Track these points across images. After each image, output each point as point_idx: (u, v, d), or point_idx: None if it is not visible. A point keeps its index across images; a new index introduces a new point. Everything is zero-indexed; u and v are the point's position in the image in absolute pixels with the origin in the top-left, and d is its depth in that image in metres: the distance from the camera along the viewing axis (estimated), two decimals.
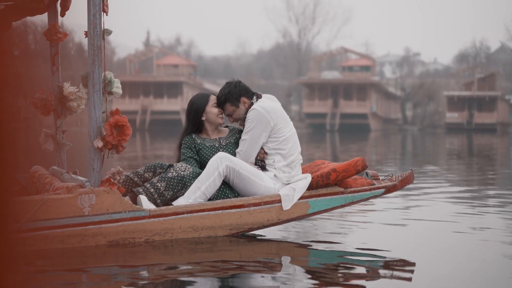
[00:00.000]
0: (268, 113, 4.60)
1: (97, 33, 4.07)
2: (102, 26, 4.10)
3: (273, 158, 4.65)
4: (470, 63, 67.84)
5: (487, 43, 79.85)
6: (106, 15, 4.11)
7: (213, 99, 4.79)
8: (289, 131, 4.68)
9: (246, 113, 4.70)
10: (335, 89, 53.63)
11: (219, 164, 4.45)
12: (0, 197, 1.92)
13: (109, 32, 4.15)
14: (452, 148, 23.71)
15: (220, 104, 4.76)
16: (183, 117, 44.92)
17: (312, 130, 49.31)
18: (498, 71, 57.71)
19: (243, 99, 4.72)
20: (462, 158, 16.68)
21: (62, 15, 4.78)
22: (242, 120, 4.75)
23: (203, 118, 4.77)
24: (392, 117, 60.83)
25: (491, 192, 7.96)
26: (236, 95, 4.72)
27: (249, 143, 4.60)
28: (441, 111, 57.24)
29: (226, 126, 4.94)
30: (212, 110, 4.75)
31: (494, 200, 6.97)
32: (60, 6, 4.74)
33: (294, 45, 68.07)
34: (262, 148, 4.67)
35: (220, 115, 4.78)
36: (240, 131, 4.78)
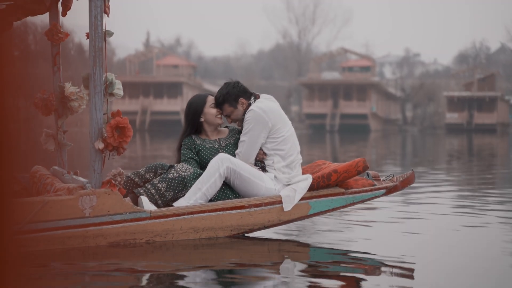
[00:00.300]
0: (266, 114, 4.60)
1: (98, 34, 4.07)
2: (104, 28, 4.10)
3: (272, 159, 4.64)
4: (470, 63, 67.84)
5: (487, 43, 79.83)
6: (108, 16, 4.11)
7: (210, 100, 4.78)
8: (287, 131, 4.67)
9: (244, 114, 4.70)
10: (335, 90, 53.61)
11: (220, 165, 4.44)
12: (1, 198, 1.92)
13: (110, 34, 4.14)
14: (452, 148, 23.71)
15: (218, 104, 4.75)
16: (183, 118, 44.91)
17: (312, 131, 49.29)
18: (498, 71, 57.71)
19: (241, 99, 4.72)
20: (462, 159, 16.69)
21: (64, 15, 4.78)
22: (240, 121, 4.75)
23: (202, 119, 4.77)
24: (392, 117, 60.79)
25: (491, 192, 7.96)
26: (234, 96, 4.72)
27: (248, 144, 4.60)
28: (441, 112, 57.21)
29: (226, 127, 4.94)
30: (210, 111, 4.75)
31: (494, 200, 6.98)
32: (62, 6, 4.75)
33: (294, 46, 68.06)
34: (261, 149, 4.67)
35: (219, 116, 4.77)
36: (240, 132, 4.77)
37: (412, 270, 3.69)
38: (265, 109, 4.61)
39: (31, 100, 4.92)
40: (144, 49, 62.77)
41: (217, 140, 4.77)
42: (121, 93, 4.25)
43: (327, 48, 68.40)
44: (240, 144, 4.65)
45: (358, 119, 52.58)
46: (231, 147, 4.73)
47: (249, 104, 4.71)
